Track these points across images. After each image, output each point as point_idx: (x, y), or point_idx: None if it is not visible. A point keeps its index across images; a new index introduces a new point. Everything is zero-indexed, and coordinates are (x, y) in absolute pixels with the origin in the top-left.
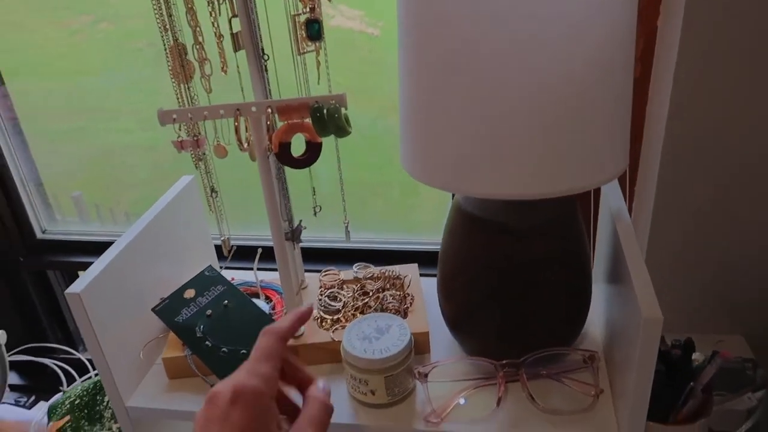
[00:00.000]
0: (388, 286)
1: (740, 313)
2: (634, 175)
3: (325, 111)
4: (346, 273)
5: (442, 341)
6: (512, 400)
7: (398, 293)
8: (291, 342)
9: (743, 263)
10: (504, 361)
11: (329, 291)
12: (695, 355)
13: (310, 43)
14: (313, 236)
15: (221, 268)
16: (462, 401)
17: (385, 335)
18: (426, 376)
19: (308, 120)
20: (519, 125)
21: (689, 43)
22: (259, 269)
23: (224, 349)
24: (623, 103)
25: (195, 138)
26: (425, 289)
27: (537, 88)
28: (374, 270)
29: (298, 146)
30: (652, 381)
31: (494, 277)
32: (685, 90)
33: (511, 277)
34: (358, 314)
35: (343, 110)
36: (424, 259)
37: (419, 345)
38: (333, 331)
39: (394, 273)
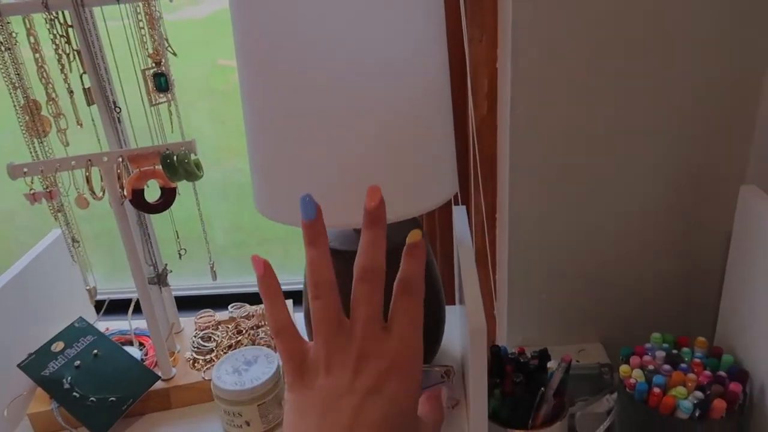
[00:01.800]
0: (262, 323)
1: (598, 322)
2: (494, 201)
3: (175, 157)
4: (222, 314)
5: None
6: None
7: None
8: (162, 385)
9: (598, 275)
10: None
11: (203, 332)
12: (550, 364)
13: (161, 95)
14: (206, 283)
15: (97, 320)
16: None
17: (254, 366)
18: None
19: (159, 167)
20: (352, 162)
21: (520, 81)
22: (136, 318)
23: (92, 398)
24: (443, 137)
25: (48, 190)
26: (300, 323)
27: (363, 129)
28: (249, 309)
29: (155, 192)
30: (486, 386)
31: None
32: (521, 124)
33: None
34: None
35: (192, 156)
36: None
37: None
38: (204, 371)
39: None
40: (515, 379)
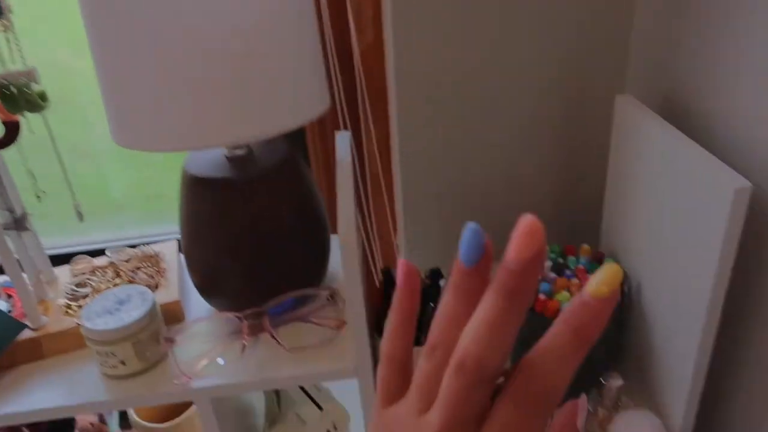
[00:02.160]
0: (143, 265)
1: (493, 240)
2: (387, 131)
3: (13, 88)
4: (100, 260)
5: (201, 310)
6: (262, 347)
7: (153, 269)
8: (32, 334)
9: (489, 194)
10: (247, 312)
11: (78, 278)
12: (443, 282)
13: None
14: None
15: None
16: (219, 359)
17: (126, 305)
18: (172, 340)
19: None
20: (201, 78)
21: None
22: None
23: None
24: (305, 52)
25: None
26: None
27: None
28: (129, 252)
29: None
30: (362, 302)
31: (227, 234)
32: (405, 48)
33: (243, 231)
34: None
35: (35, 85)
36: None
37: (172, 314)
38: (78, 317)
39: (150, 252)
40: None
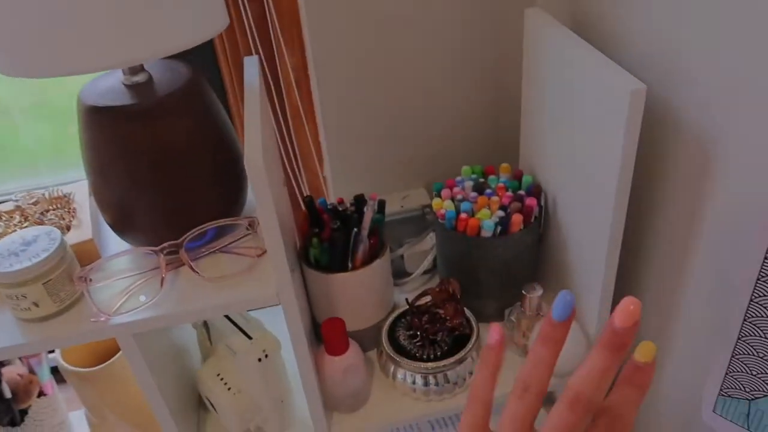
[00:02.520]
0: (52, 207)
1: (419, 168)
2: (304, 59)
3: None
4: (6, 205)
5: (120, 249)
6: (182, 280)
7: (63, 211)
8: None
9: (411, 121)
10: (163, 245)
11: None
12: (367, 207)
13: None
14: None
15: None
16: (139, 296)
17: (33, 245)
18: (87, 279)
19: None
20: None
21: None
22: None
23: None
24: None
25: None
26: None
27: None
28: (36, 195)
29: None
30: (277, 229)
31: (131, 166)
32: None
33: (148, 162)
34: None
35: None
36: None
37: (87, 254)
38: None
39: (59, 194)
40: (333, 226)
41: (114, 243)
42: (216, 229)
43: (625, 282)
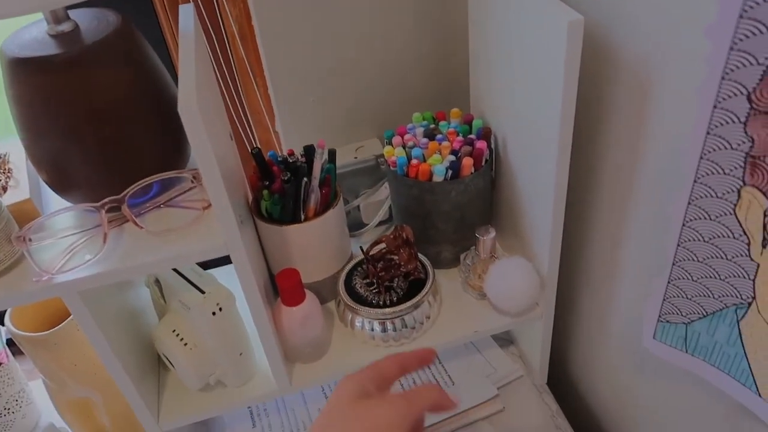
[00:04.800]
0: None
1: (372, 118)
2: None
3: None
4: None
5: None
6: (127, 235)
7: (0, 172)
8: None
9: (360, 70)
10: (104, 200)
11: None
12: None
13: None
14: None
15: None
16: (83, 253)
17: None
18: (26, 239)
19: None
20: None
21: None
22: None
23: None
24: None
25: None
26: None
27: None
28: None
29: None
30: (219, 179)
31: (61, 120)
32: None
33: (79, 115)
34: None
35: None
36: None
37: (26, 214)
38: None
39: None
40: (283, 178)
41: (55, 203)
42: (161, 183)
43: (575, 221)
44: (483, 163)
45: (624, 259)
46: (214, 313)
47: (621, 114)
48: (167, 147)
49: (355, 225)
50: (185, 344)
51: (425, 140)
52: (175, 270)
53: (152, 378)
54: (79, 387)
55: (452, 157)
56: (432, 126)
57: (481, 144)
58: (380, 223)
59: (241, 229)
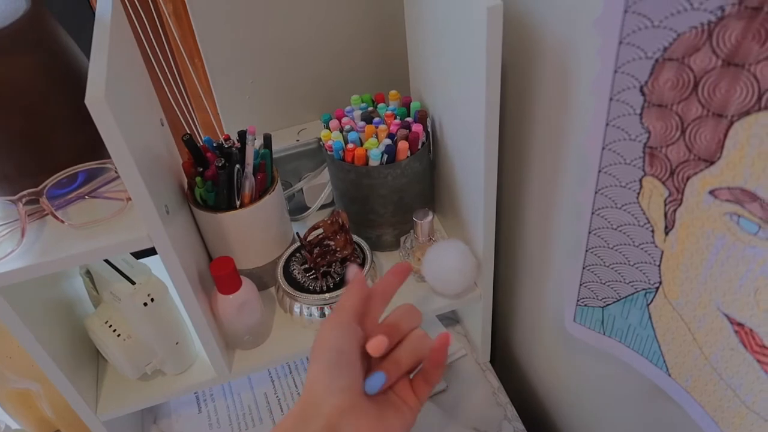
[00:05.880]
0: None
1: (312, 101)
2: None
3: None
4: None
5: None
6: (48, 228)
7: None
8: None
9: (298, 51)
10: (22, 193)
11: None
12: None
13: None
14: None
15: None
16: (6, 250)
17: None
18: None
19: None
20: None
21: None
22: None
23: None
24: None
25: None
26: None
27: None
28: None
29: None
30: (135, 169)
31: None
32: None
33: None
34: None
35: None
36: None
37: None
38: None
39: None
40: (217, 164)
41: None
42: (86, 174)
43: (508, 203)
44: (419, 147)
45: (552, 244)
46: (145, 304)
47: (545, 99)
48: (89, 137)
49: (299, 209)
50: (118, 335)
51: (362, 124)
52: (106, 260)
53: (90, 368)
54: (17, 378)
55: (388, 141)
56: (370, 109)
57: (417, 127)
58: (323, 207)
59: (167, 220)
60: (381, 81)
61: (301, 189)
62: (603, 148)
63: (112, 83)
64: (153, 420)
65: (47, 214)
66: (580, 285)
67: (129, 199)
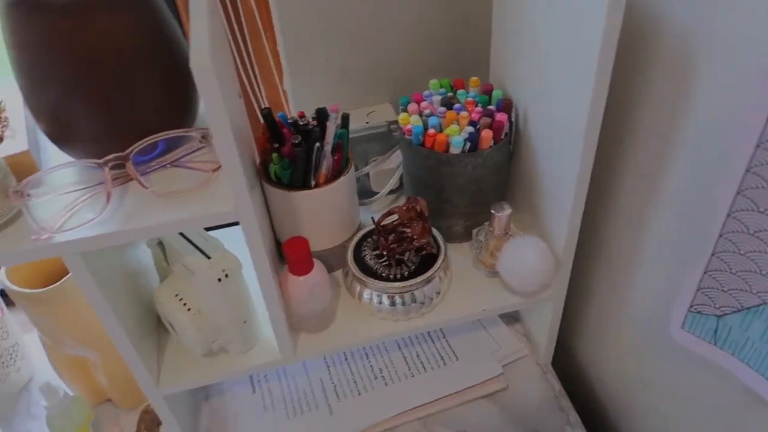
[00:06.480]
0: None
1: (385, 82)
2: None
3: None
4: None
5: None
6: (131, 195)
7: None
8: None
9: (375, 32)
10: (108, 157)
11: None
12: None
13: None
14: None
15: None
16: (84, 212)
17: None
18: (24, 194)
19: None
20: None
21: None
22: None
23: None
24: None
25: None
26: None
27: None
28: None
29: None
30: (231, 139)
31: (65, 69)
32: None
33: (84, 65)
34: None
35: None
36: None
37: (24, 167)
38: None
39: None
40: (293, 141)
41: (54, 156)
42: (166, 141)
43: (595, 199)
44: (502, 137)
45: (650, 243)
46: (219, 280)
47: (659, 90)
48: (175, 103)
49: (365, 193)
50: (188, 309)
51: (443, 109)
52: (179, 232)
53: (151, 340)
54: (76, 345)
55: (471, 129)
56: (450, 94)
57: (501, 116)
58: (389, 192)
59: (251, 194)
60: (456, 66)
61: (368, 173)
62: (757, 146)
63: (214, 50)
64: (205, 397)
65: (130, 180)
66: (697, 290)
67: (214, 170)
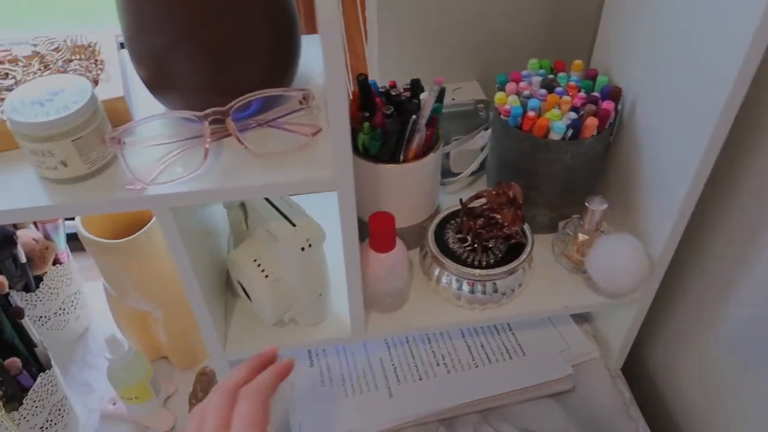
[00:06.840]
0: (76, 57)
1: (474, 58)
2: None
3: None
4: (22, 48)
5: (152, 112)
6: (226, 152)
7: (89, 62)
8: None
9: (470, 6)
10: (208, 110)
11: None
12: (423, 95)
13: None
14: None
15: None
16: (177, 166)
17: (60, 95)
18: (121, 141)
19: None
20: None
21: None
22: None
23: None
24: None
25: None
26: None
27: None
28: (58, 40)
29: None
30: (346, 104)
31: (176, 16)
32: None
33: (196, 14)
34: None
35: None
36: None
37: (117, 114)
38: (1, 112)
39: (84, 41)
40: (386, 111)
41: (145, 106)
42: (263, 100)
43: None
44: (606, 126)
45: (761, 261)
46: (303, 249)
47: None
48: (278, 62)
49: (443, 173)
50: (266, 276)
51: (543, 91)
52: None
53: (220, 302)
54: (142, 299)
55: (573, 115)
56: (550, 76)
57: (607, 104)
58: (470, 174)
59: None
60: (553, 48)
61: (448, 153)
62: None
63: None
64: None
65: (226, 137)
66: None
67: (314, 134)
